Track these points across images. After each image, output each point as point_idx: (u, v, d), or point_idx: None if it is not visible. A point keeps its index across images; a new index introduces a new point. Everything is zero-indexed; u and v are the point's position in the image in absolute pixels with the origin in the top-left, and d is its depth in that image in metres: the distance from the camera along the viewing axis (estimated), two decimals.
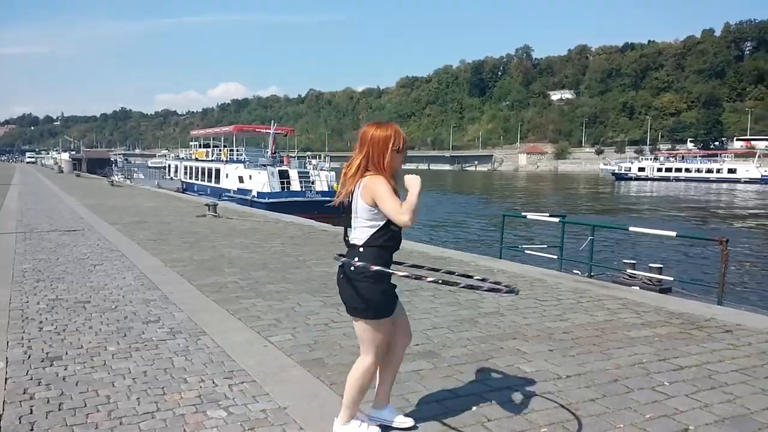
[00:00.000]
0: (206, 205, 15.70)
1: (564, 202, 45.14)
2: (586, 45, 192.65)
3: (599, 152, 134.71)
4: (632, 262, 9.35)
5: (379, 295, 2.83)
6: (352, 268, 2.81)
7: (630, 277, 8.85)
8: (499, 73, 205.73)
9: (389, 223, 2.81)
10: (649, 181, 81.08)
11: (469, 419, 3.29)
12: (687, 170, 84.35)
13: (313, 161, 32.87)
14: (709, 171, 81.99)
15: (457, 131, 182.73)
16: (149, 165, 77.89)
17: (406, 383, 3.81)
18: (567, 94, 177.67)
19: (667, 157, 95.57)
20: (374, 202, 2.78)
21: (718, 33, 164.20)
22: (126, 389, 3.66)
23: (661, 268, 8.79)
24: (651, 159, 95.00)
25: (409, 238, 16.00)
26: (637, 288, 7.97)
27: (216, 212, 15.06)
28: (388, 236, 2.83)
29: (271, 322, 5.21)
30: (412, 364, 4.17)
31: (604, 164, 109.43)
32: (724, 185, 71.72)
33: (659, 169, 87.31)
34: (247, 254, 9.07)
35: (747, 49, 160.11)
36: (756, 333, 5.11)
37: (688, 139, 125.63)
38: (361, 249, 2.84)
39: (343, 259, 2.86)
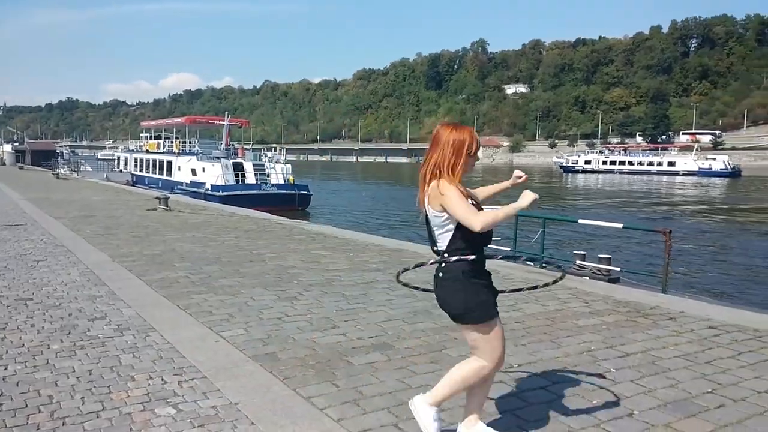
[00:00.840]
0: (157, 198, 15.33)
1: (511, 195, 45.85)
2: (539, 40, 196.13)
3: (552, 145, 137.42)
4: (582, 253, 9.57)
5: (479, 295, 2.73)
6: (440, 275, 2.75)
7: (580, 267, 9.06)
8: (455, 66, 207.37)
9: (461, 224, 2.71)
10: (594, 174, 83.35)
11: None
12: (630, 163, 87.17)
13: (269, 154, 32.47)
14: (651, 164, 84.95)
15: (414, 124, 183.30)
16: (99, 157, 75.61)
17: (360, 376, 3.80)
18: (521, 88, 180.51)
19: (612, 151, 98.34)
20: (442, 208, 2.69)
21: (665, 30, 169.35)
22: (70, 388, 3.54)
23: (609, 258, 9.02)
24: (596, 152, 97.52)
25: (365, 231, 16.02)
26: (587, 278, 8.16)
27: (167, 206, 14.72)
28: (470, 237, 2.68)
29: (224, 317, 5.12)
30: (366, 357, 4.17)
31: (557, 157, 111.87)
32: (665, 177, 74.21)
33: (604, 162, 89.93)
34: (200, 248, 8.90)
35: (692, 45, 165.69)
36: (698, 320, 5.30)
37: (637, 133, 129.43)
38: (446, 254, 2.74)
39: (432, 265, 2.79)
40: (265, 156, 31.50)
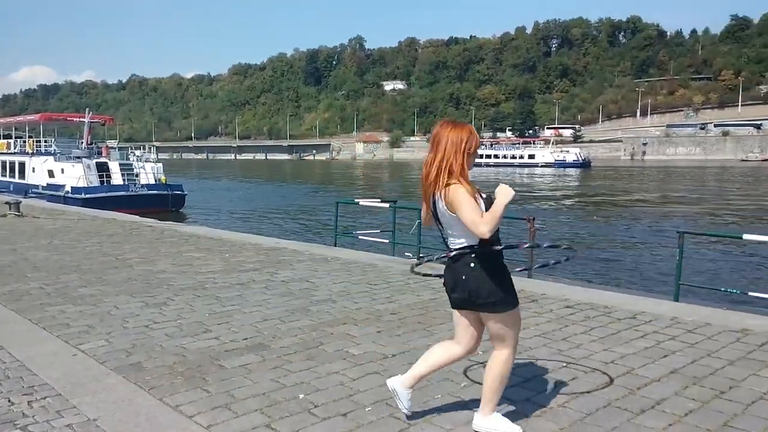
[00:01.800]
0: (7, 203, 13.98)
1: (394, 188, 46.93)
2: (414, 38, 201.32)
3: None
4: None
5: (504, 285, 2.82)
6: (472, 265, 2.79)
7: None
8: (334, 62, 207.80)
9: None
10: None
11: (295, 407, 3.27)
12: (496, 156, 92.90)
13: (137, 152, 30.61)
14: (513, 157, 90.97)
15: (294, 120, 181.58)
16: None
17: (232, 379, 3.69)
18: (399, 85, 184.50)
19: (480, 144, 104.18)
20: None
21: (529, 30, 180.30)
22: None
23: None
24: None
25: (242, 230, 15.63)
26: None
27: (19, 211, 13.49)
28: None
29: (83, 329, 4.76)
30: (240, 359, 4.06)
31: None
32: (526, 169, 79.47)
33: None
34: (56, 256, 8.23)
35: (553, 45, 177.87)
36: (557, 300, 5.69)
37: (507, 128, 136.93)
38: (471, 245, 2.81)
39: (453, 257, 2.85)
40: (134, 155, 29.61)
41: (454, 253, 2.85)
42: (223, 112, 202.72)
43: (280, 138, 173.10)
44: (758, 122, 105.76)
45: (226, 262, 7.80)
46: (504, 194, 2.75)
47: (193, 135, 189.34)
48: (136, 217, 13.72)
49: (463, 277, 2.82)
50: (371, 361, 4.02)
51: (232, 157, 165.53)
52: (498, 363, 2.93)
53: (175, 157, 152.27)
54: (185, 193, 28.01)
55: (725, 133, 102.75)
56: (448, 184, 2.78)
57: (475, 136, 2.88)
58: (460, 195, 2.75)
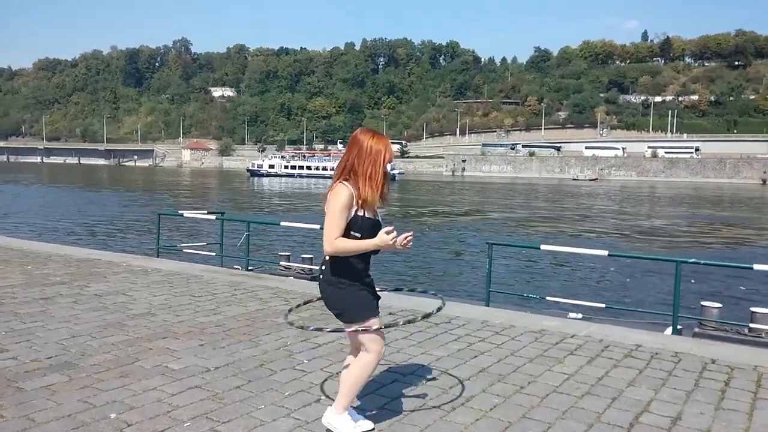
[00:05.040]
0: None
1: (225, 198, 45.62)
2: (244, 45, 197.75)
3: (262, 150, 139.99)
4: (287, 254, 9.92)
5: (355, 298, 2.93)
6: (321, 277, 2.98)
7: (285, 268, 9.38)
8: (157, 64, 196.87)
9: (349, 230, 2.85)
10: (278, 177, 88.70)
11: (105, 428, 3.06)
12: (308, 168, 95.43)
13: None
14: (324, 168, 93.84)
15: (111, 123, 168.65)
16: None
17: (33, 402, 3.35)
18: (228, 92, 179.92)
19: (293, 156, 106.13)
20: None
21: (357, 47, 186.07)
22: None
23: (312, 258, 9.51)
24: (279, 157, 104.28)
25: (51, 239, 14.17)
26: (292, 278, 8.49)
27: None
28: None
29: None
30: (42, 380, 3.69)
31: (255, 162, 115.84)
32: None
33: (286, 167, 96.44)
34: None
35: (381, 63, 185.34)
36: (381, 308, 5.92)
37: (338, 141, 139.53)
38: (327, 258, 2.92)
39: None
40: None
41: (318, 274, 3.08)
42: (27, 110, 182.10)
43: (96, 141, 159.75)
44: (558, 145, 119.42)
45: (28, 274, 7.02)
46: (379, 239, 2.83)
47: None
48: None
49: (321, 287, 3.04)
50: (192, 375, 3.89)
51: (39, 160, 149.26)
52: (357, 365, 3.04)
53: None
54: None
55: (531, 153, 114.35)
56: (337, 184, 2.90)
57: (390, 148, 2.98)
58: (338, 197, 2.86)
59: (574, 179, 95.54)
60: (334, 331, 3.06)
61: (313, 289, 6.71)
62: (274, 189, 63.40)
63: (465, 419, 3.33)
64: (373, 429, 3.14)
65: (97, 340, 4.58)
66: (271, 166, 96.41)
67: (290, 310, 3.35)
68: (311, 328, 3.22)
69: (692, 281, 12.54)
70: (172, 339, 4.68)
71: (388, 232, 2.81)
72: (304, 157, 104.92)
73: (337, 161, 2.94)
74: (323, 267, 2.99)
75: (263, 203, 42.65)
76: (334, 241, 2.83)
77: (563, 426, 3.29)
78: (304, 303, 3.46)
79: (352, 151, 2.93)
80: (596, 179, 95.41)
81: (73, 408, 3.30)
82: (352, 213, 2.88)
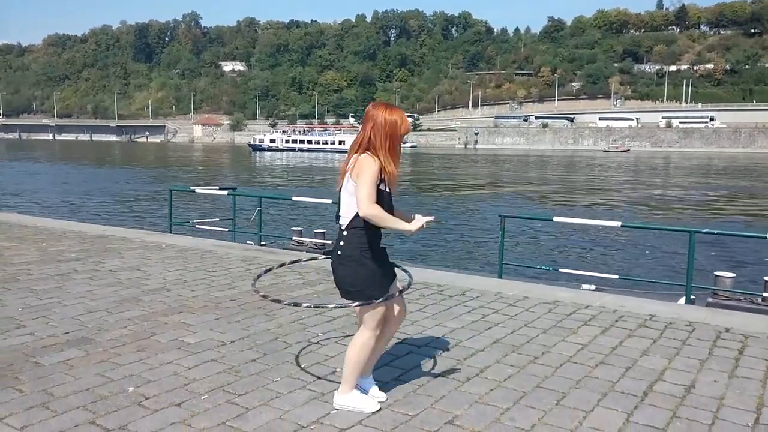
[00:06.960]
0: None
1: (237, 173, 45.72)
2: (254, 18, 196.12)
3: (273, 125, 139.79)
4: (299, 229, 9.93)
5: (368, 278, 2.88)
6: (339, 253, 2.91)
7: (298, 243, 9.40)
8: (167, 38, 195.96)
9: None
10: (279, 152, 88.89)
11: (123, 401, 3.09)
12: (309, 142, 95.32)
13: None
14: (325, 143, 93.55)
15: (122, 99, 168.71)
16: None
17: (51, 377, 3.39)
18: (239, 66, 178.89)
19: (294, 131, 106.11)
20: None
21: (369, 19, 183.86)
22: None
23: (324, 232, 9.51)
24: (280, 132, 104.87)
25: (64, 216, 14.30)
26: (305, 252, 8.50)
27: None
28: None
29: None
30: (59, 355, 3.73)
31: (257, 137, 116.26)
32: (337, 155, 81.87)
33: (287, 141, 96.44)
34: None
35: (392, 35, 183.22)
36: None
37: (350, 114, 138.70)
38: (345, 233, 2.89)
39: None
40: None
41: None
42: (38, 87, 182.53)
43: (108, 117, 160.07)
44: (571, 116, 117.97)
45: (44, 251, 7.09)
46: (414, 225, 2.87)
47: (2, 112, 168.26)
48: None
49: (335, 263, 2.99)
50: (208, 349, 3.91)
51: (51, 137, 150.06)
52: (352, 346, 3.02)
53: None
54: None
55: (545, 125, 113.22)
56: (363, 154, 2.87)
57: (405, 120, 2.97)
58: (370, 166, 2.82)
59: (605, 150, 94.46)
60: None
61: (315, 261, 6.74)
62: (276, 163, 63.31)
63: (479, 389, 3.33)
64: (385, 398, 3.16)
65: (113, 316, 4.62)
66: (272, 141, 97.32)
67: (258, 277, 3.49)
68: (286, 302, 3.45)
69: (710, 252, 12.44)
70: (188, 313, 4.71)
71: (428, 223, 2.90)
72: (304, 131, 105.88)
73: (338, 135, 2.93)
74: (341, 243, 2.94)
75: (267, 179, 42.64)
76: (373, 204, 2.79)
77: (577, 395, 3.28)
78: (266, 271, 3.66)
79: (368, 126, 2.90)
80: (628, 150, 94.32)
81: (90, 382, 3.34)
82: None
